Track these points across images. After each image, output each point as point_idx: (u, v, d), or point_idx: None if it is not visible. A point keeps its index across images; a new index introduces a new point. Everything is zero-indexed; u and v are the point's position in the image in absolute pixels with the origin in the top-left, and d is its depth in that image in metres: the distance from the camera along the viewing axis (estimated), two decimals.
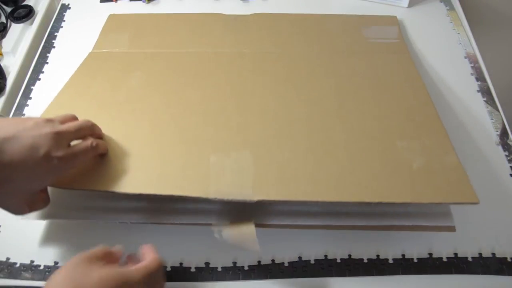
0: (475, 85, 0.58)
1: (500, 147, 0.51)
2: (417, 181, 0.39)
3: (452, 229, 0.41)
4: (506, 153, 0.51)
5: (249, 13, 0.64)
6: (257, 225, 0.40)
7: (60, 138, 0.35)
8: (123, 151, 0.42)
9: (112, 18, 0.64)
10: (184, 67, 0.54)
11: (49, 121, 0.36)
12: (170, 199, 0.40)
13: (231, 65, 0.54)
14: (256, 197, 0.38)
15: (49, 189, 0.40)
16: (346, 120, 0.46)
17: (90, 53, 0.57)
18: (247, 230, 0.39)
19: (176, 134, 0.45)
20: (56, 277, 0.31)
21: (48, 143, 0.34)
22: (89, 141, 0.38)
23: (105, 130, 0.43)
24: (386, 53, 0.57)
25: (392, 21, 0.64)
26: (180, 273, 0.43)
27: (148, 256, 0.35)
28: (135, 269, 0.33)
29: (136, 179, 0.40)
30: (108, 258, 0.34)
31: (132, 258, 0.37)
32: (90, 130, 0.40)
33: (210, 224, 0.41)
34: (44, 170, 0.34)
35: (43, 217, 0.42)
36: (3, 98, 0.59)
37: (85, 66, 0.55)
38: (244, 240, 0.39)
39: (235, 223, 0.40)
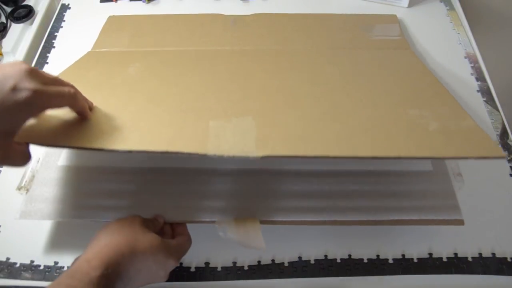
0: (475, 85, 0.58)
1: (500, 147, 0.51)
2: (436, 139, 0.35)
3: (460, 222, 0.40)
4: (506, 153, 0.51)
5: (249, 13, 0.64)
6: (261, 222, 0.39)
7: (34, 75, 0.32)
8: (114, 117, 0.38)
9: (111, 19, 0.64)
10: (183, 60, 0.53)
11: (33, 71, 0.32)
12: (172, 195, 0.40)
13: (231, 58, 0.53)
14: (260, 153, 0.33)
15: (53, 190, 0.40)
16: (353, 95, 0.43)
17: (88, 52, 0.57)
18: (252, 227, 0.38)
19: (173, 106, 0.41)
20: (111, 227, 0.37)
21: (18, 76, 0.31)
22: (67, 88, 0.35)
23: (97, 105, 0.40)
24: (388, 48, 0.57)
25: (392, 19, 0.64)
26: (180, 273, 0.43)
27: (184, 233, 0.41)
28: (176, 243, 0.39)
29: (127, 138, 0.35)
30: (153, 225, 0.39)
31: (165, 230, 0.41)
32: (72, 99, 0.35)
33: (213, 222, 0.41)
34: (12, 104, 0.30)
35: (44, 217, 0.42)
36: None
37: (81, 62, 0.54)
38: (249, 237, 0.39)
39: (240, 219, 0.40)
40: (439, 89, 0.45)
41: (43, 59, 0.63)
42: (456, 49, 0.62)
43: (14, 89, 0.30)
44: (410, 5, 0.68)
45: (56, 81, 0.34)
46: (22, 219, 0.41)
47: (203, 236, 0.44)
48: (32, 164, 0.46)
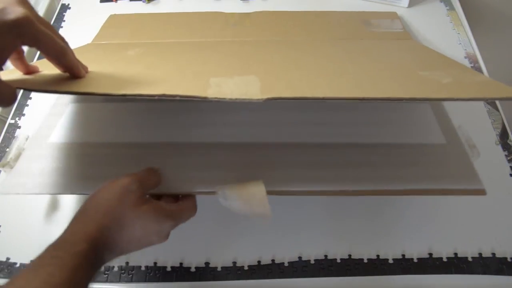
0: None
1: (500, 147, 0.51)
2: (449, 87, 0.34)
3: (481, 192, 0.37)
4: (506, 153, 0.51)
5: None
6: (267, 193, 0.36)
7: (27, 5, 0.31)
8: (111, 75, 0.37)
9: (112, 17, 0.64)
10: (184, 47, 0.53)
11: (26, 2, 0.31)
12: (171, 166, 0.38)
13: (232, 45, 0.53)
14: (264, 96, 0.30)
15: (41, 166, 0.38)
16: (358, 62, 0.42)
17: (87, 44, 0.57)
18: (257, 190, 0.35)
19: (172, 69, 0.40)
20: (97, 195, 0.34)
21: (9, 1, 0.29)
22: (59, 38, 0.33)
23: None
24: (391, 39, 0.56)
25: (393, 15, 0.64)
26: (180, 273, 0.43)
27: (189, 199, 0.38)
28: (177, 208, 0.36)
29: (122, 86, 0.33)
30: (148, 181, 0.36)
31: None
32: (62, 50, 0.33)
33: (213, 193, 0.37)
34: None
35: (28, 191, 0.38)
36: None
37: (79, 49, 0.52)
38: (253, 202, 0.35)
39: (242, 184, 0.36)
40: (449, 60, 0.44)
41: (43, 59, 0.63)
42: (456, 49, 0.62)
43: (2, 10, 0.29)
44: (410, 5, 0.68)
45: (50, 25, 0.33)
46: (1, 195, 0.38)
47: (203, 236, 0.44)
48: (19, 141, 0.43)
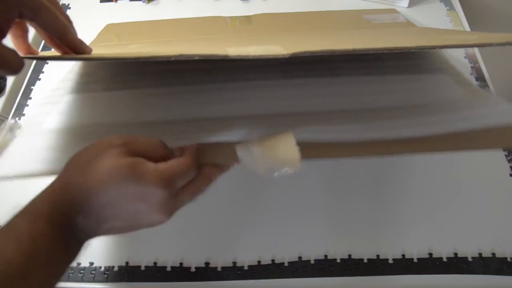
0: (475, 85, 0.58)
1: None
2: (480, 39, 0.33)
3: None
4: (506, 153, 0.51)
5: (249, 13, 0.64)
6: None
7: None
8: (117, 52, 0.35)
9: (108, 26, 0.63)
10: (190, 41, 0.52)
11: None
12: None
13: (238, 37, 0.53)
14: (289, 51, 0.28)
15: (35, 150, 0.35)
16: (376, 36, 0.42)
17: None
18: (284, 138, 0.30)
19: (181, 47, 0.38)
20: (74, 155, 0.28)
21: None
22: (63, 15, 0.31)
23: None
24: (397, 27, 0.56)
25: (393, 11, 0.64)
26: (180, 273, 0.43)
27: (188, 157, 0.29)
28: (165, 167, 0.27)
29: (132, 52, 0.31)
30: (135, 143, 0.28)
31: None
32: (65, 26, 0.30)
33: (231, 145, 0.32)
34: None
35: (19, 173, 0.34)
36: (3, 98, 0.59)
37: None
38: (280, 149, 0.30)
39: (266, 136, 0.31)
40: (466, 31, 0.43)
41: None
42: (456, 49, 0.62)
43: None
44: (410, 5, 0.68)
45: (55, 1, 0.31)
46: None
47: (203, 236, 0.45)
48: (6, 130, 0.42)
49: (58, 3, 0.31)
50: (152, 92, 0.42)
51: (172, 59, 0.27)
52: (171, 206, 0.28)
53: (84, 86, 0.42)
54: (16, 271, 0.22)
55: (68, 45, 0.31)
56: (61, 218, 0.25)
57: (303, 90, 0.41)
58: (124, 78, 0.42)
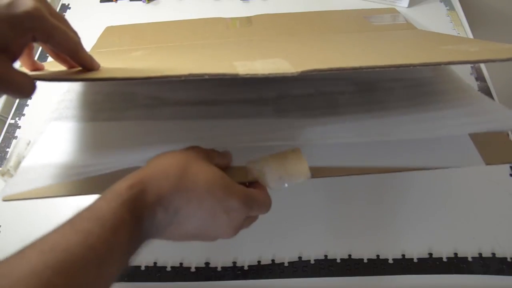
0: (475, 85, 0.58)
1: None
2: (482, 53, 0.33)
3: None
4: None
5: (249, 14, 0.64)
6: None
7: None
8: (123, 67, 0.34)
9: (108, 29, 0.63)
10: (194, 47, 0.51)
11: None
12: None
13: (240, 42, 0.52)
14: (299, 69, 0.28)
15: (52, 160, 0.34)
16: (377, 45, 0.41)
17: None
18: (292, 154, 0.32)
19: (187, 58, 0.37)
20: (161, 154, 0.29)
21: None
22: (73, 33, 0.31)
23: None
24: (397, 29, 0.56)
25: (393, 11, 0.64)
26: (180, 273, 0.43)
27: (261, 188, 0.32)
28: (250, 191, 0.30)
29: (141, 71, 0.31)
30: (219, 159, 0.31)
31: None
32: (76, 45, 0.30)
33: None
34: (5, 16, 0.26)
35: (39, 183, 0.34)
36: (3, 98, 0.59)
37: None
38: (290, 165, 0.32)
39: (275, 154, 0.33)
40: (467, 38, 0.44)
41: (42, 60, 0.63)
42: None
43: (13, 2, 0.26)
44: (410, 5, 0.68)
45: (63, 19, 0.31)
46: (7, 198, 0.34)
47: None
48: (20, 148, 0.41)
49: (66, 21, 0.31)
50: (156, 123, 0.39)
51: (182, 78, 0.27)
52: (241, 225, 0.30)
53: (93, 114, 0.40)
54: (95, 258, 0.22)
55: (79, 62, 0.32)
56: (142, 210, 0.25)
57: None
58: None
